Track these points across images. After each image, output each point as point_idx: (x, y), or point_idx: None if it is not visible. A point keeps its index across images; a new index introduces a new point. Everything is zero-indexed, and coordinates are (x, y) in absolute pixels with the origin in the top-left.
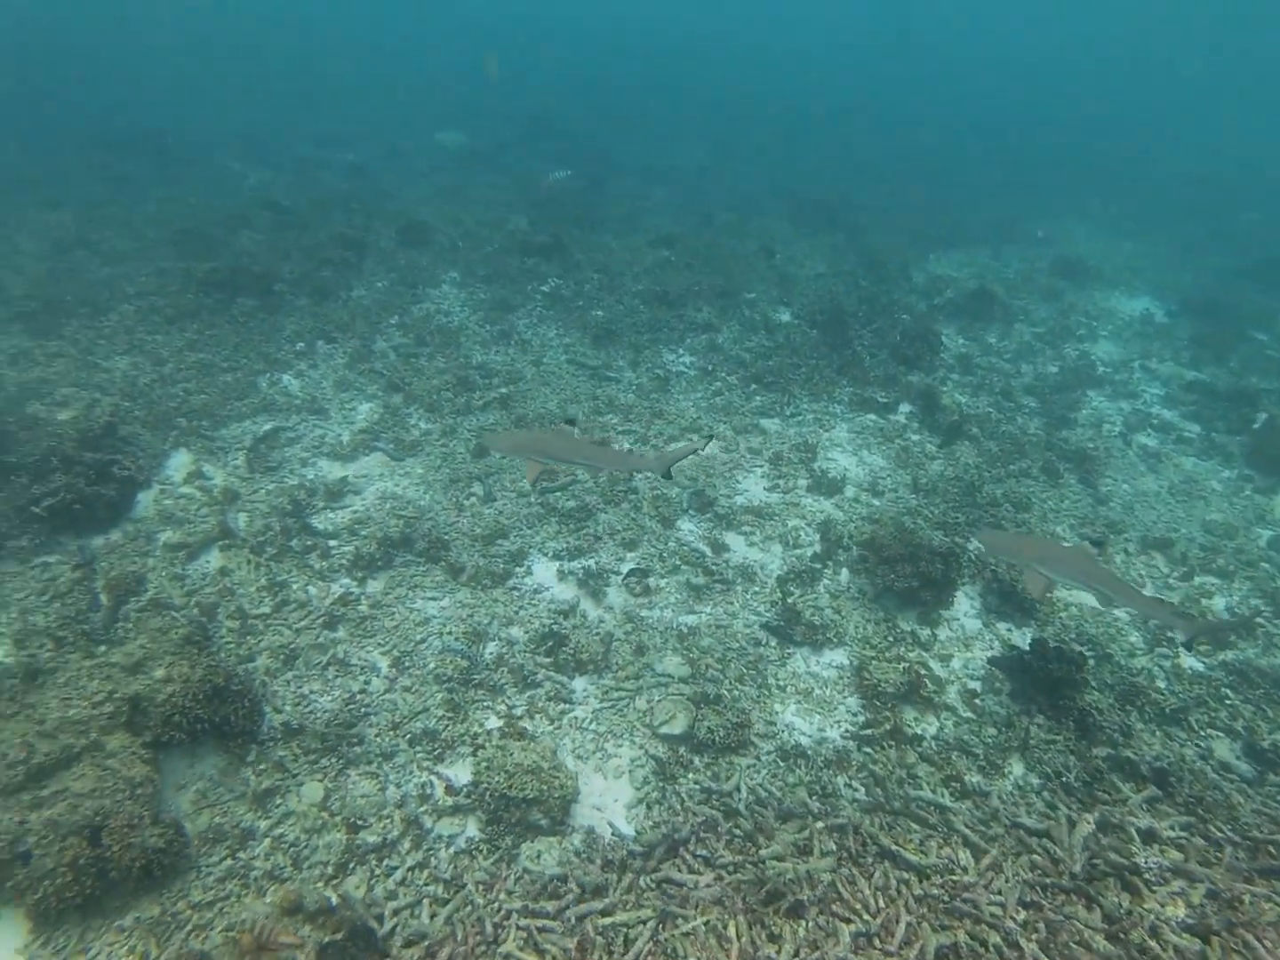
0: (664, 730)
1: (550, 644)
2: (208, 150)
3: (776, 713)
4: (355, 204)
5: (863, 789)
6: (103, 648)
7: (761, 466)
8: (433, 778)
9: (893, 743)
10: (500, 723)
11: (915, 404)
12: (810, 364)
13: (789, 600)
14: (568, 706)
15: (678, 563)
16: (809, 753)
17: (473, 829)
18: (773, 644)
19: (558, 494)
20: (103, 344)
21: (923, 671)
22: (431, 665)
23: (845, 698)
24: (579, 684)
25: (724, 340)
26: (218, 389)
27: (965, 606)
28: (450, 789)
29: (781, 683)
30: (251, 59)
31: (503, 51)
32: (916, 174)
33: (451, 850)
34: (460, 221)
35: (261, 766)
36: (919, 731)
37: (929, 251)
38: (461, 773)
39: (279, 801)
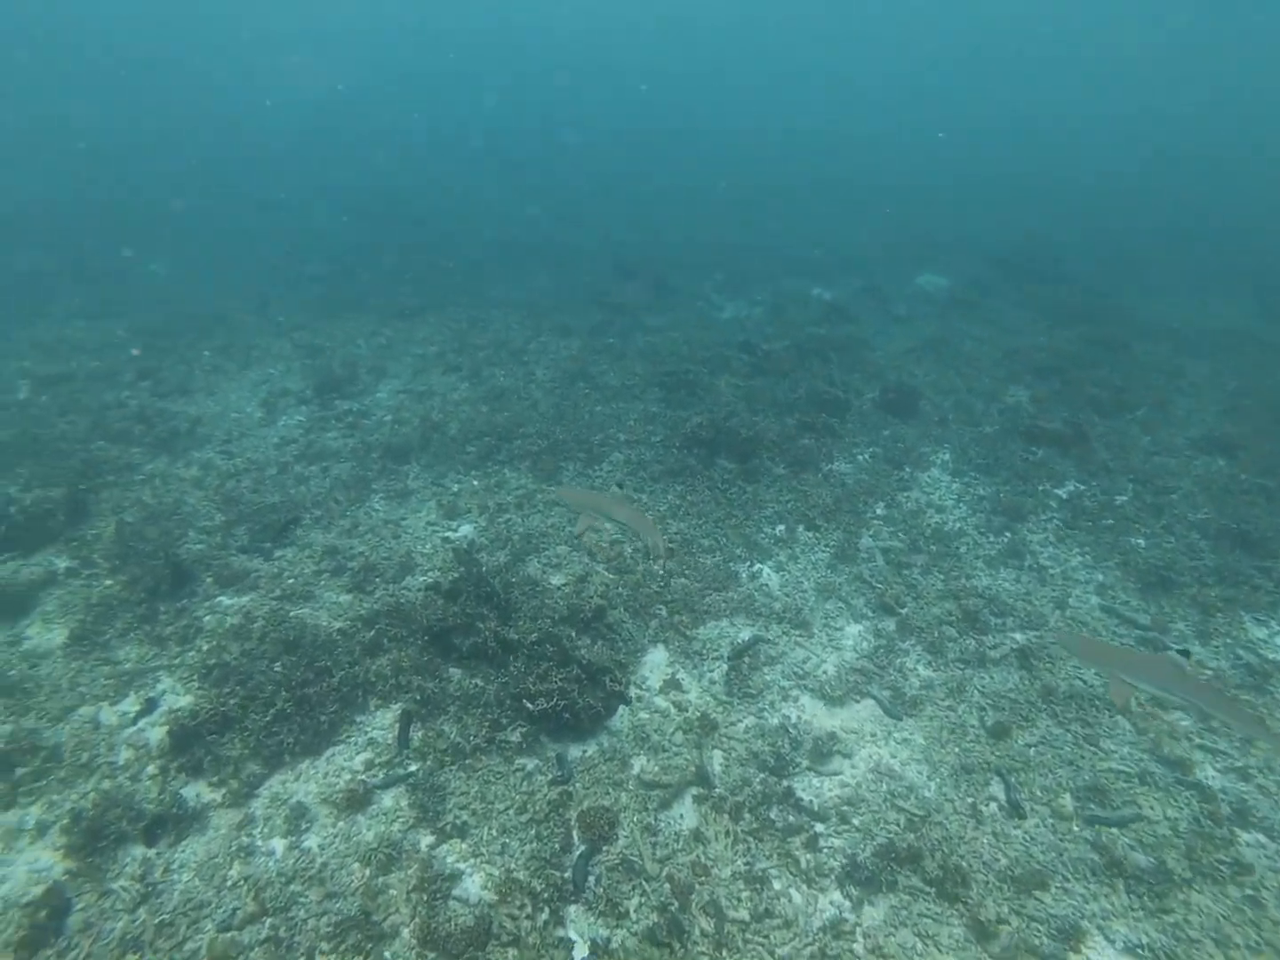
0: None
1: None
2: (697, 276)
3: None
4: (832, 353)
5: None
6: (574, 911)
7: None
8: None
9: None
10: None
11: None
12: None
13: None
14: None
15: None
16: None
17: None
18: None
19: (1114, 832)
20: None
21: None
22: None
23: None
24: None
25: None
26: (698, 573)
27: None
28: None
29: None
30: (741, 180)
31: (991, 177)
32: None
33: None
34: (948, 388)
35: None
36: None
37: None
38: None
39: None
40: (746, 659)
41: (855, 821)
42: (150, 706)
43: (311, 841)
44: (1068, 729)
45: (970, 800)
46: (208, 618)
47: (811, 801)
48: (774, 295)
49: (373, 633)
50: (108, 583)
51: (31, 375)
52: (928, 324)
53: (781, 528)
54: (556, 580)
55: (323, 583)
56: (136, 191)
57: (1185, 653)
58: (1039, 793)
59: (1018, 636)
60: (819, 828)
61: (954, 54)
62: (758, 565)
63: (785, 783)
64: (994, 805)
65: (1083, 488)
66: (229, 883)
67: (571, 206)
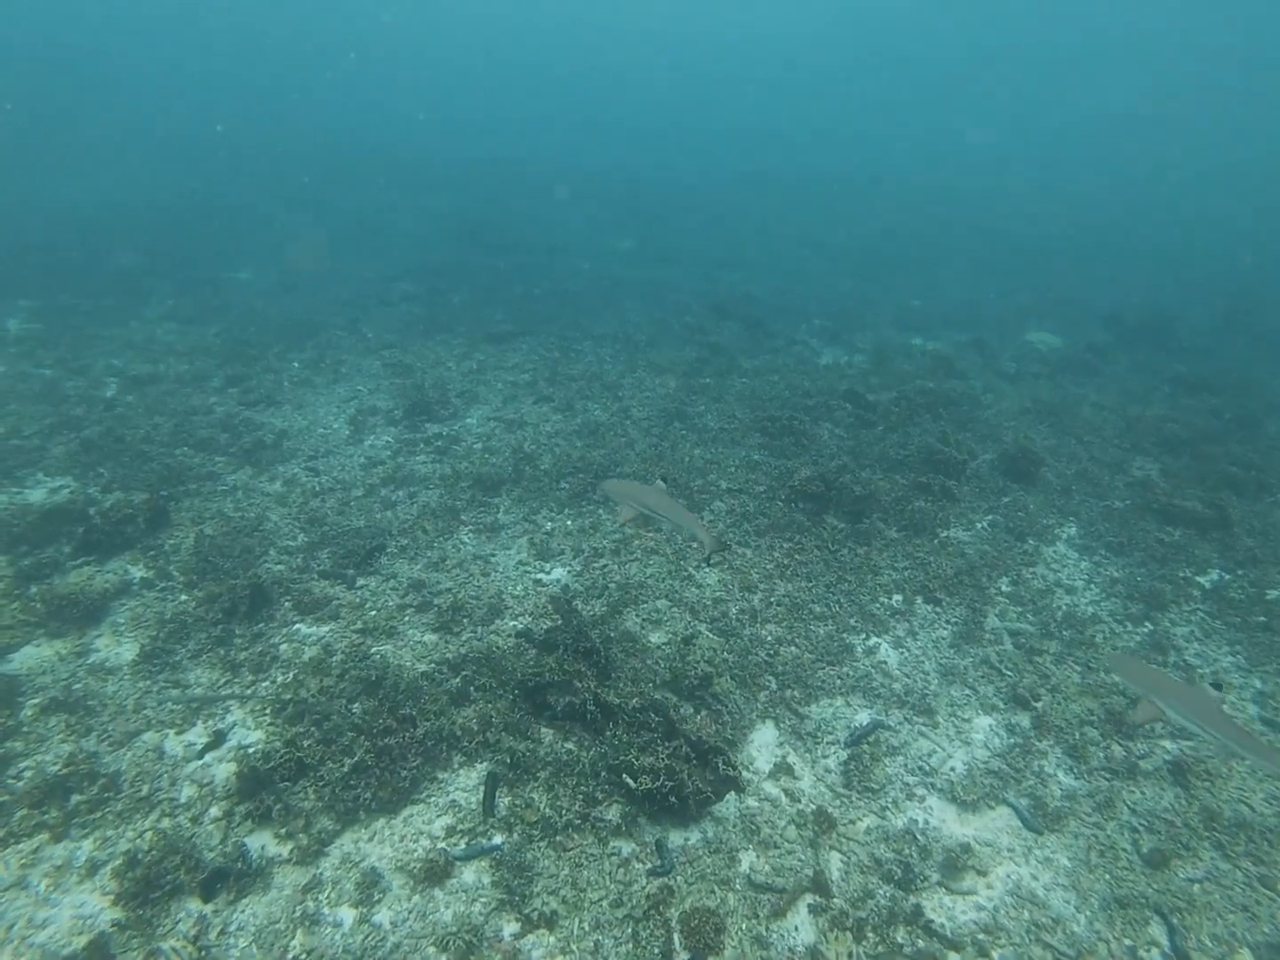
0: None
1: None
2: (794, 319)
3: None
4: (943, 409)
5: None
6: None
7: None
8: None
9: None
10: None
11: None
12: None
13: None
14: None
15: None
16: None
17: None
18: None
19: None
20: (693, 549)
21: None
22: None
23: None
24: None
25: None
26: (809, 642)
27: None
28: None
29: None
30: (844, 221)
31: (1103, 232)
32: None
33: None
34: (1069, 454)
35: None
36: None
37: None
38: None
39: None
40: (866, 746)
41: (995, 956)
42: (219, 739)
43: (383, 916)
44: (1238, 866)
45: (1129, 943)
46: (284, 646)
47: (944, 925)
48: (875, 344)
49: (459, 679)
50: (183, 598)
51: (120, 374)
52: (1040, 384)
53: (898, 598)
54: (657, 638)
55: (407, 619)
56: (244, 202)
57: (1218, 686)
58: (1209, 942)
59: (1169, 746)
60: (954, 959)
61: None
62: (874, 639)
63: (913, 899)
64: (1156, 952)
65: (1228, 577)
66: (289, 955)
67: (668, 243)
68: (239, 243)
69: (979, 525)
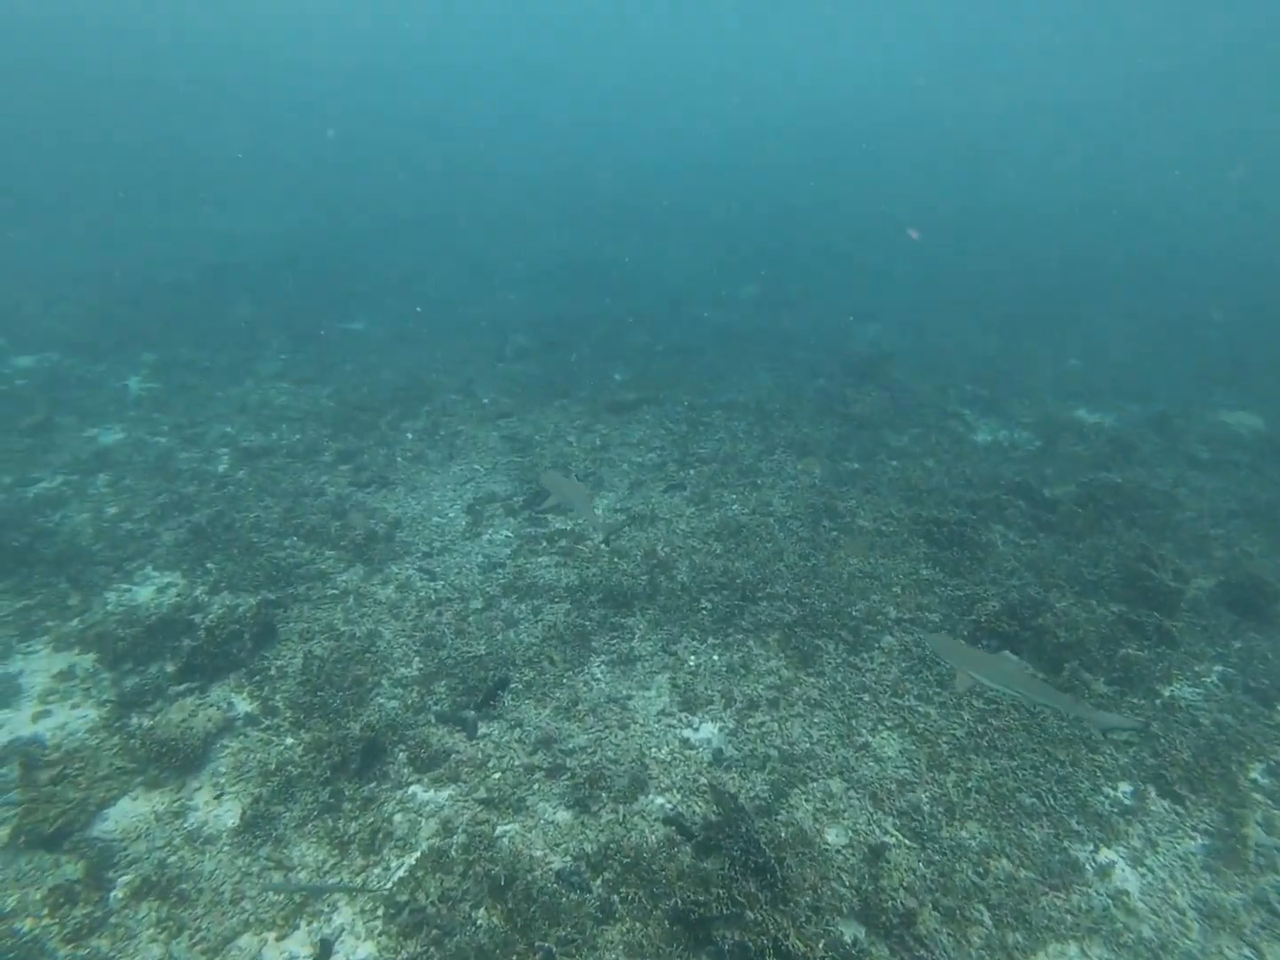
0: None
1: None
2: (937, 381)
3: None
4: (1135, 512)
5: None
6: None
7: None
8: None
9: None
10: None
11: None
12: None
13: None
14: None
15: None
16: None
17: None
18: None
19: None
20: (865, 703)
21: None
22: None
23: None
24: None
25: None
26: (1023, 853)
27: None
28: None
29: None
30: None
31: None
32: None
33: None
34: None
35: None
36: None
37: None
38: None
39: None
40: None
41: None
42: (325, 951)
43: None
44: None
45: None
46: (398, 817)
47: None
48: (1038, 417)
49: (600, 884)
50: (289, 741)
51: (233, 444)
52: (1245, 477)
53: (1126, 788)
54: (834, 837)
55: (536, 787)
56: (355, 246)
57: (1016, 652)
58: None
59: None
60: None
61: None
62: (1105, 851)
63: None
64: None
65: None
66: None
67: (793, 288)
68: (353, 285)
69: (1208, 680)
